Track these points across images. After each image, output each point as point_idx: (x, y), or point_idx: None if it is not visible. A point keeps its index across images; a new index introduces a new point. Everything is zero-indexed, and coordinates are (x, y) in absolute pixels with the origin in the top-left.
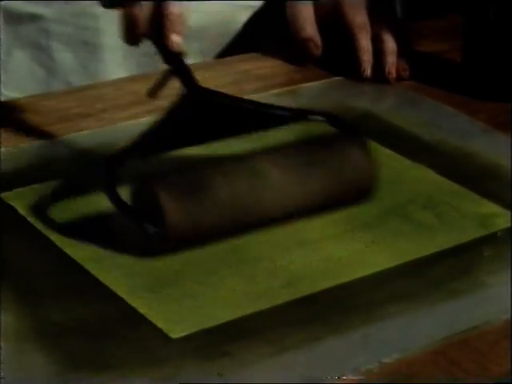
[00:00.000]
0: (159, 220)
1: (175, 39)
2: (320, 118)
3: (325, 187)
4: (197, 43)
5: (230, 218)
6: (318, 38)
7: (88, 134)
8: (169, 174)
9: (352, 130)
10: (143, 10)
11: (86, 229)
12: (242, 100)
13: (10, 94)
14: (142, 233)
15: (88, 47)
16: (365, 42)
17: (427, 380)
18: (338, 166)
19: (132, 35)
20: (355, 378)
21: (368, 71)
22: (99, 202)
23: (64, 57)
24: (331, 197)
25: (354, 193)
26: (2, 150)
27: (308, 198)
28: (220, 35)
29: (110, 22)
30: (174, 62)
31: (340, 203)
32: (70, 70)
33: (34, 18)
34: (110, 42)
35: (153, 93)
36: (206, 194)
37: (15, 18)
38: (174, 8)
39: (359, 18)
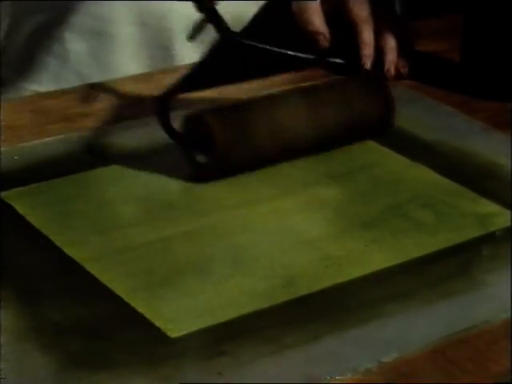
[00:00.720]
0: (209, 148)
1: None
2: (339, 60)
3: (345, 119)
4: (208, 36)
5: (269, 147)
6: (326, 31)
7: (88, 134)
8: (216, 108)
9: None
10: None
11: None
12: (270, 45)
13: (24, 85)
14: (192, 160)
15: (101, 37)
16: (367, 36)
17: (426, 379)
18: (357, 100)
19: None
20: (354, 377)
21: (368, 65)
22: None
23: (77, 47)
24: (351, 128)
25: (374, 124)
26: (2, 149)
27: (329, 127)
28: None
29: (124, 12)
30: (207, 10)
31: (360, 135)
32: (82, 61)
33: (47, 7)
34: (124, 33)
35: (192, 37)
36: (250, 125)
37: (28, 8)
38: None
39: (363, 13)
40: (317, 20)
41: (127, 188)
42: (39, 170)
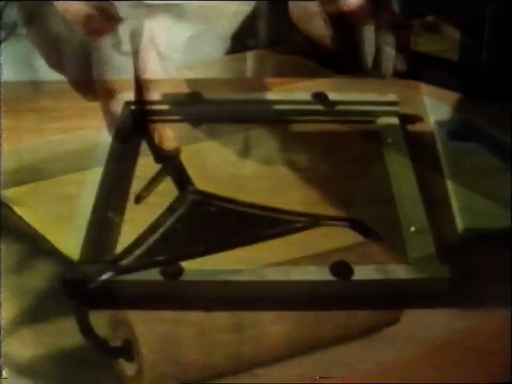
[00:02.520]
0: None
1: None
2: (340, 223)
3: None
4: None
5: None
6: (331, 35)
7: (86, 134)
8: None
9: (376, 236)
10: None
11: None
12: (243, 204)
13: (44, 77)
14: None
15: None
16: (368, 35)
17: (425, 379)
18: None
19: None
20: (353, 377)
21: (369, 64)
22: None
23: None
24: None
25: None
26: (2, 149)
27: None
28: (223, 36)
29: None
30: (167, 160)
31: None
32: None
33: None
34: None
35: (139, 198)
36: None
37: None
38: None
39: (363, 11)
40: (321, 26)
41: (126, 188)
42: (39, 169)
